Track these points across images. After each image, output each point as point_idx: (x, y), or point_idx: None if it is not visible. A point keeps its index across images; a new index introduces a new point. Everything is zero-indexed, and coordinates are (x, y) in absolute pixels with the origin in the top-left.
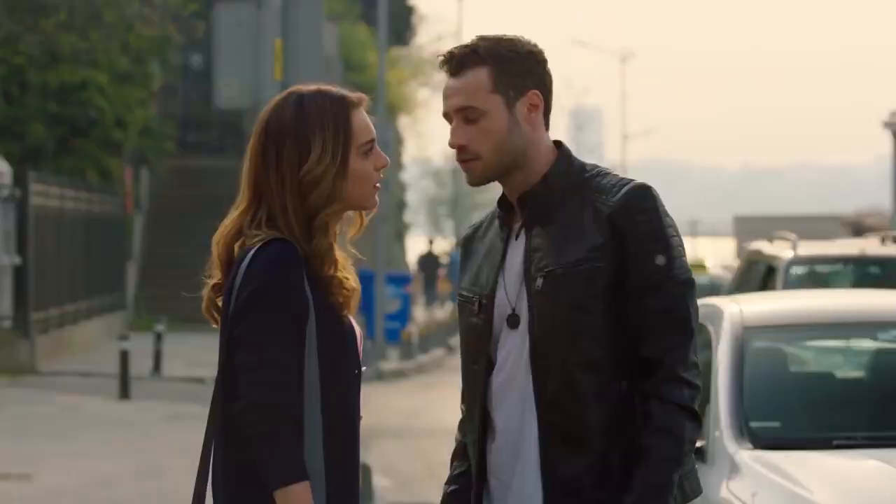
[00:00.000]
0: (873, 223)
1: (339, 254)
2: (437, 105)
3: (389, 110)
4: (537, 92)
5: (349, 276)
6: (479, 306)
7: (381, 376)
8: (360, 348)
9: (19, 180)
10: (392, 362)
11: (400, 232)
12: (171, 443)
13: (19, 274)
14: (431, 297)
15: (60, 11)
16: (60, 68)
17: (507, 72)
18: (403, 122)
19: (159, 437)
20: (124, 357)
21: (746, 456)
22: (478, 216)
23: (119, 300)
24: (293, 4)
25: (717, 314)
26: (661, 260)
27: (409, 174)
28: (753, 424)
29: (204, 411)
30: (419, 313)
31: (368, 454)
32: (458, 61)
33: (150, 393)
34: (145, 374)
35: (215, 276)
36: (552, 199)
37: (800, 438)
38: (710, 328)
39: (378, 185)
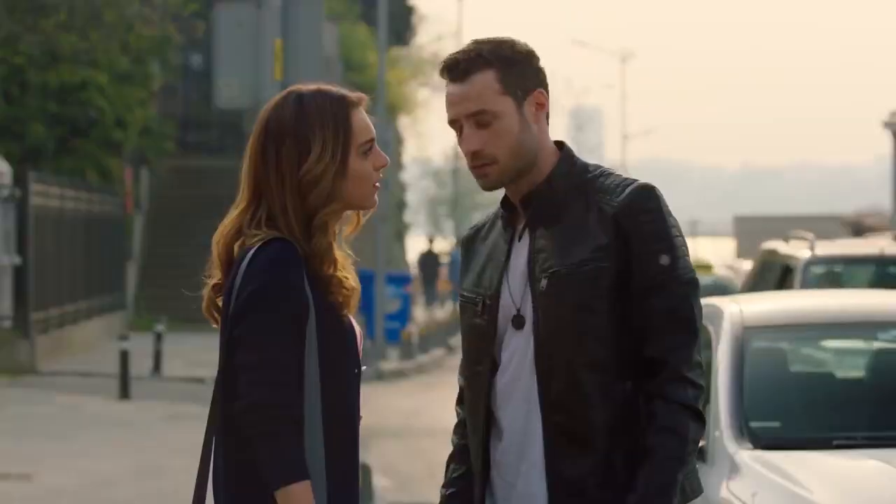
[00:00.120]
0: (873, 223)
1: (338, 253)
2: (437, 105)
3: (389, 110)
4: (542, 91)
5: (349, 276)
6: (483, 307)
7: (381, 376)
8: (360, 348)
9: (19, 180)
10: (392, 362)
11: (400, 232)
12: (171, 443)
13: (19, 274)
14: (431, 297)
15: (60, 11)
16: (60, 68)
17: (514, 73)
18: (403, 122)
19: (159, 437)
20: (124, 357)
21: (746, 456)
22: (478, 216)
23: (119, 300)
24: (293, 4)
25: (717, 314)
26: (664, 260)
27: (409, 174)
28: (753, 424)
29: (204, 411)
30: (419, 313)
31: (368, 454)
32: (464, 67)
33: (150, 393)
34: (145, 374)
35: (215, 275)
36: (556, 199)
37: (800, 438)
38: (711, 328)
39: (378, 184)
